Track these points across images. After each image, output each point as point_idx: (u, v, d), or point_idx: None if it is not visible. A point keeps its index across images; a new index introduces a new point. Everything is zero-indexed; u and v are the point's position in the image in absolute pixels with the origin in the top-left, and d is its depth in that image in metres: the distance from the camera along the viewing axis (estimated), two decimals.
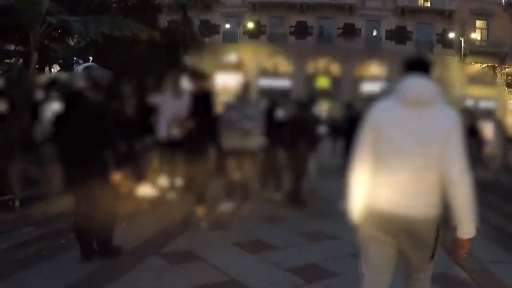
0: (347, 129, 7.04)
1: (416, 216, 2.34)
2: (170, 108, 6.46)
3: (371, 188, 2.43)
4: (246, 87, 6.76)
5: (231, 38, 29.69)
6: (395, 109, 2.44)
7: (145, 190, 6.53)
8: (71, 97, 4.38)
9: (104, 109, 4.37)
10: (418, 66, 2.52)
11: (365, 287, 2.54)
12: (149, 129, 6.90)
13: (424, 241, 2.41)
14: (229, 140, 6.31)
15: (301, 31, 29.68)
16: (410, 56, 2.62)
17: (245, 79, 8.26)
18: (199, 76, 6.39)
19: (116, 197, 4.46)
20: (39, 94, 6.50)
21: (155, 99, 7.35)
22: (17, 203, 5.30)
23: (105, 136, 4.21)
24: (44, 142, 6.15)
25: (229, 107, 6.58)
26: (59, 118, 4.49)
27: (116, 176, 4.25)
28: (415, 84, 2.43)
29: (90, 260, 4.33)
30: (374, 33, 30.27)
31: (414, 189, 2.33)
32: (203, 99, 6.09)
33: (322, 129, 7.91)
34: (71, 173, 4.28)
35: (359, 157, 2.47)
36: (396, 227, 2.37)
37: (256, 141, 6.43)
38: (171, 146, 6.55)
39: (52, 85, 6.45)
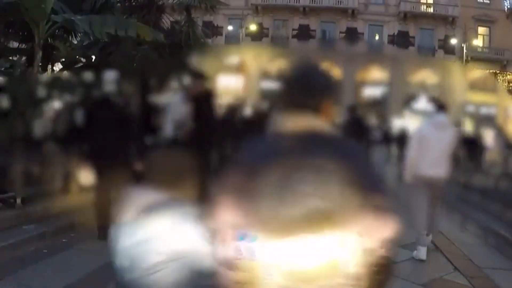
0: (349, 132, 7.02)
1: (439, 176, 5.01)
2: (179, 109, 6.46)
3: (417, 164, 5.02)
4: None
5: (233, 40, 29.74)
6: (430, 128, 5.09)
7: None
8: (99, 100, 5.22)
9: (128, 110, 5.37)
10: (442, 106, 5.25)
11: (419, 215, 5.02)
12: (152, 129, 6.89)
13: (441, 188, 5.19)
14: None
15: (304, 34, 29.73)
16: (439, 101, 5.37)
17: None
18: (200, 77, 6.37)
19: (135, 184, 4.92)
20: (41, 92, 6.53)
21: (164, 99, 7.35)
22: (18, 200, 5.31)
23: (129, 132, 4.98)
24: (45, 140, 6.19)
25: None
26: (88, 118, 5.13)
27: (138, 167, 4.74)
28: (441, 118, 5.14)
29: (105, 239, 4.52)
30: (376, 38, 30.33)
31: (437, 164, 4.97)
32: (204, 100, 6.08)
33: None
34: (98, 164, 4.90)
35: (413, 150, 5.06)
36: (429, 181, 4.96)
37: None
38: (176, 147, 6.55)
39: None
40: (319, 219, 1.11)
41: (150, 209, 1.69)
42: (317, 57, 29.08)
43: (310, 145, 1.26)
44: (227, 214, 1.23)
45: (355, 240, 1.12)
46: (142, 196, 1.74)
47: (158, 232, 1.66)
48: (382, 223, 1.17)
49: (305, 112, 1.33)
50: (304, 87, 1.35)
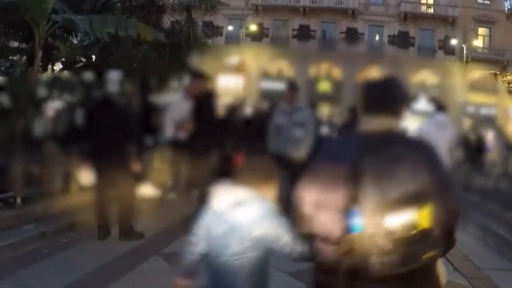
0: (349, 132, 7.01)
1: None
2: (178, 109, 6.45)
3: None
4: (294, 91, 6.28)
5: (233, 40, 29.74)
6: (431, 127, 5.35)
7: (147, 190, 6.53)
8: (99, 100, 5.30)
9: (129, 110, 5.38)
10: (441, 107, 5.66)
11: None
12: (152, 129, 6.90)
13: None
14: (275, 146, 5.97)
15: (304, 34, 29.73)
16: (439, 101, 5.62)
17: (293, 82, 7.68)
18: (201, 77, 6.36)
19: (135, 184, 5.29)
20: (42, 92, 6.53)
21: (163, 99, 7.35)
22: (18, 200, 5.31)
23: (129, 132, 5.02)
24: (46, 140, 6.18)
25: (278, 111, 6.14)
26: (89, 118, 5.16)
27: (137, 166, 5.02)
28: (441, 117, 5.54)
29: (105, 239, 4.93)
30: (377, 38, 30.34)
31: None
32: (205, 101, 6.08)
33: (325, 130, 7.92)
34: (99, 163, 4.93)
35: None
36: None
37: (304, 150, 5.99)
38: (174, 147, 6.55)
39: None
40: (410, 199, 1.54)
41: (239, 203, 2.04)
42: (317, 58, 29.09)
43: (392, 142, 1.67)
44: (327, 199, 1.64)
45: (429, 212, 1.56)
46: (232, 192, 2.08)
47: (244, 222, 2.02)
48: (449, 202, 1.63)
49: (386, 115, 1.73)
50: (388, 96, 1.76)
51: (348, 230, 1.58)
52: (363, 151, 1.61)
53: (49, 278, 3.93)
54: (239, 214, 2.03)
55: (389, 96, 1.76)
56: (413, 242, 1.54)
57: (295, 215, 1.82)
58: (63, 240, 4.95)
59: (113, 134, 4.87)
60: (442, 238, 1.63)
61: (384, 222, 1.53)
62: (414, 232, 1.54)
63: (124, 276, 4.06)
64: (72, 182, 6.20)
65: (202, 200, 6.11)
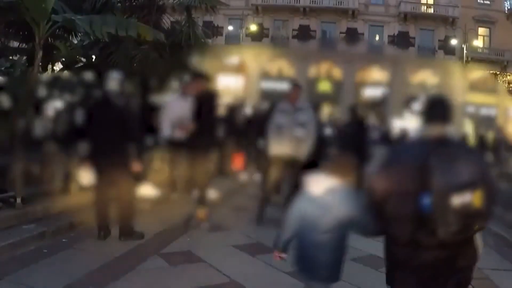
0: (351, 133, 7.01)
1: None
2: (176, 109, 6.46)
3: None
4: (298, 90, 6.29)
5: (233, 41, 29.74)
6: None
7: (146, 190, 6.53)
8: (99, 100, 5.29)
9: (129, 110, 5.33)
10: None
11: None
12: (151, 129, 6.90)
13: None
14: (277, 147, 5.98)
15: (304, 34, 29.73)
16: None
17: (296, 82, 7.59)
18: (201, 78, 6.37)
19: (135, 184, 5.31)
20: (42, 92, 6.53)
21: (162, 98, 7.35)
22: (18, 200, 5.31)
23: (129, 132, 4.99)
24: (46, 140, 6.18)
25: (279, 110, 6.14)
26: (89, 118, 5.15)
27: (137, 167, 5.03)
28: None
29: (105, 239, 4.97)
30: (377, 38, 30.34)
31: None
32: (205, 101, 6.08)
33: (328, 132, 7.93)
34: (99, 163, 4.94)
35: None
36: None
37: (305, 149, 6.02)
38: (173, 146, 6.56)
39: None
40: (467, 186, 2.13)
41: (329, 190, 2.65)
42: (317, 58, 29.09)
43: (449, 143, 2.31)
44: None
45: (479, 195, 2.16)
46: (323, 181, 2.69)
47: (333, 206, 2.62)
48: (491, 188, 2.24)
49: (443, 124, 2.36)
50: (444, 110, 2.41)
51: (421, 209, 2.16)
52: (429, 151, 2.20)
53: (49, 278, 3.93)
54: (329, 199, 2.63)
55: (444, 111, 2.41)
56: (469, 217, 2.14)
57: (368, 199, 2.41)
58: (63, 240, 4.95)
59: (113, 134, 4.88)
60: (485, 214, 2.23)
61: (448, 202, 2.10)
62: (469, 209, 2.13)
63: (124, 276, 4.07)
64: (72, 182, 6.20)
65: (202, 200, 6.16)
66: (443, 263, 2.28)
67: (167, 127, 6.51)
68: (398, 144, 2.63)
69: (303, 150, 6.00)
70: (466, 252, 2.32)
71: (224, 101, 7.73)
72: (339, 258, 2.73)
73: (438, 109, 2.42)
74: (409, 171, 2.22)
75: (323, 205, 2.63)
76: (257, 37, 29.80)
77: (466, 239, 2.27)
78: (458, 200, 2.11)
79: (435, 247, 2.20)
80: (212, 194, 7.08)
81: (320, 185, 2.68)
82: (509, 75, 29.21)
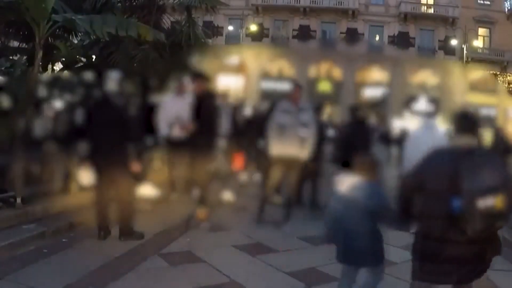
0: (352, 133, 6.98)
1: None
2: (172, 107, 6.46)
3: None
4: (300, 91, 6.27)
5: (234, 41, 29.73)
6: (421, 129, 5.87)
7: (146, 190, 6.53)
8: (99, 100, 5.29)
9: (128, 110, 5.37)
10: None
11: None
12: (151, 129, 6.90)
13: None
14: (279, 147, 5.96)
15: (304, 34, 29.73)
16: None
17: (298, 81, 7.54)
18: (201, 78, 6.37)
19: (134, 184, 5.30)
20: (42, 92, 6.53)
21: (158, 98, 7.35)
22: (18, 200, 5.31)
23: (129, 132, 5.00)
24: (46, 140, 6.18)
25: (280, 110, 6.10)
26: (88, 117, 5.14)
27: (136, 167, 5.02)
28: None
29: (105, 239, 4.96)
30: (377, 38, 30.33)
31: None
32: (205, 100, 6.08)
33: (331, 133, 7.92)
34: (98, 164, 4.93)
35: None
36: None
37: (308, 150, 6.01)
38: (171, 146, 6.56)
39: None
40: (491, 190, 2.49)
41: (357, 186, 3.15)
42: (317, 58, 29.08)
43: (476, 152, 2.68)
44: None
45: (502, 198, 2.52)
46: (350, 179, 3.20)
47: (362, 199, 3.11)
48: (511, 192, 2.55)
49: (471, 135, 2.74)
50: (472, 123, 2.80)
51: (452, 210, 2.53)
52: (459, 159, 2.59)
53: (49, 278, 3.93)
54: (358, 194, 3.10)
55: (472, 124, 2.79)
56: (492, 216, 2.51)
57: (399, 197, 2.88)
58: (63, 240, 4.95)
59: (112, 134, 4.88)
60: (506, 215, 2.60)
61: (475, 205, 2.46)
62: (493, 211, 2.49)
63: (124, 276, 4.07)
64: (72, 182, 6.21)
65: (202, 200, 6.16)
66: (474, 256, 2.66)
67: (164, 127, 6.51)
68: (431, 151, 3.00)
69: (306, 151, 6.01)
70: (493, 246, 2.73)
71: (224, 101, 7.72)
72: (378, 243, 3.21)
73: (467, 122, 2.79)
74: (441, 176, 2.61)
75: (352, 199, 3.13)
76: (257, 37, 29.79)
77: (492, 235, 2.69)
78: (483, 203, 2.47)
79: (464, 242, 2.59)
80: (228, 196, 7.09)
81: (349, 183, 3.17)
82: (509, 76, 29.20)
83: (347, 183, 3.17)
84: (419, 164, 2.80)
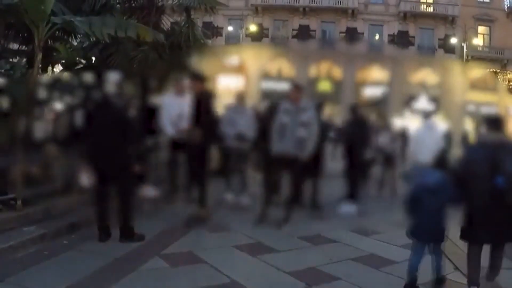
0: (352, 132, 6.98)
1: None
2: (173, 107, 6.47)
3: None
4: (299, 91, 6.24)
5: (233, 41, 29.73)
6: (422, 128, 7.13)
7: (146, 190, 6.54)
8: (98, 101, 5.30)
9: (128, 111, 5.42)
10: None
11: None
12: (151, 131, 6.90)
13: None
14: (280, 146, 5.99)
15: (304, 34, 29.73)
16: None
17: (297, 82, 7.53)
18: (199, 78, 6.37)
19: (135, 185, 5.35)
20: (42, 94, 6.54)
21: (157, 99, 7.36)
22: (19, 202, 5.30)
23: (129, 133, 5.00)
24: (46, 142, 6.19)
25: (282, 110, 6.11)
26: (89, 119, 5.14)
27: (137, 167, 5.07)
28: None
29: (105, 241, 4.96)
30: (377, 38, 30.33)
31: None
32: (203, 101, 6.08)
33: (332, 133, 7.91)
34: (98, 165, 4.92)
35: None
36: None
37: (308, 149, 6.03)
38: (173, 147, 6.56)
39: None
40: None
41: (437, 176, 3.96)
42: (317, 58, 29.03)
43: (505, 145, 3.74)
44: None
45: None
46: (433, 172, 4.08)
47: (440, 185, 3.90)
48: None
49: (499, 132, 3.79)
50: (499, 121, 3.86)
51: (496, 186, 3.55)
52: (495, 149, 3.66)
53: (50, 280, 3.93)
54: (440, 183, 3.88)
55: (501, 123, 3.82)
56: None
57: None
58: (64, 242, 4.95)
59: (113, 135, 4.89)
60: None
61: None
62: None
63: (125, 277, 4.06)
64: (72, 183, 6.20)
65: (203, 200, 6.16)
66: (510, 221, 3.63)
67: (168, 126, 6.52)
68: (470, 147, 4.51)
69: (306, 150, 6.00)
70: None
71: (224, 102, 7.70)
72: (445, 224, 3.95)
73: (497, 122, 3.83)
74: (484, 163, 3.63)
75: (436, 187, 3.85)
76: (257, 37, 29.79)
77: None
78: None
79: (504, 209, 3.57)
80: (245, 200, 7.01)
81: (433, 175, 3.96)
82: (509, 73, 29.18)
83: (432, 174, 3.97)
84: (463, 158, 3.91)
